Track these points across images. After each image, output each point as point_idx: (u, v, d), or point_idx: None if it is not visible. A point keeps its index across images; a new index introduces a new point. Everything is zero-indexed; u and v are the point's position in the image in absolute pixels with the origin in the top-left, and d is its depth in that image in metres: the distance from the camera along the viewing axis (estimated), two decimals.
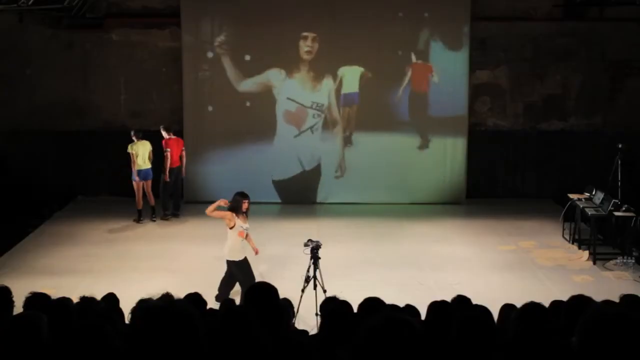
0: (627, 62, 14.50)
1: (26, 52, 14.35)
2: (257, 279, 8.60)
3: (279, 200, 14.33)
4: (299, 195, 14.32)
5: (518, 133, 14.77)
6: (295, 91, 14.18)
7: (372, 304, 4.97)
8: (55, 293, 5.92)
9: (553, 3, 14.19)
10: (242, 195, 8.85)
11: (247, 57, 14.04)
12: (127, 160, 12.76)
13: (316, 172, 14.39)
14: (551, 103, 14.68)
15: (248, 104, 14.20)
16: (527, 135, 14.78)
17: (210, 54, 14.13)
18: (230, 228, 8.69)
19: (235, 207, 8.74)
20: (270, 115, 14.21)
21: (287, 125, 14.22)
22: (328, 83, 14.15)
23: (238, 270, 8.72)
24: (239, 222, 8.72)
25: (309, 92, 14.18)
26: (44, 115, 14.40)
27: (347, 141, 14.32)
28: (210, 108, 14.26)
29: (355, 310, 5.12)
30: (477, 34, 14.20)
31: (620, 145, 11.61)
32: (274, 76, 14.09)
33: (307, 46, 14.03)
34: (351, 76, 14.14)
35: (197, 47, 14.10)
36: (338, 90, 14.18)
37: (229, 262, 8.79)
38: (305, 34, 13.98)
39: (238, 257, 8.72)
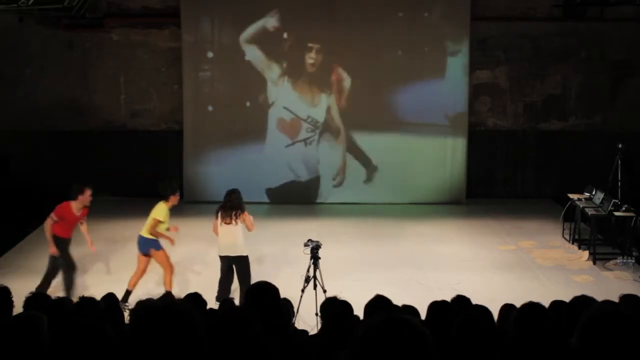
0: (627, 62, 14.50)
1: (26, 52, 14.36)
2: (257, 278, 8.59)
3: (279, 201, 14.33)
4: (298, 196, 14.32)
5: (518, 133, 14.78)
6: (293, 101, 14.16)
7: (379, 303, 4.96)
8: (55, 293, 5.91)
9: (553, 3, 14.20)
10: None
11: (247, 57, 14.05)
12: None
13: (314, 177, 14.38)
14: (551, 103, 14.69)
15: (248, 104, 14.21)
16: (527, 135, 14.78)
17: (210, 54, 14.14)
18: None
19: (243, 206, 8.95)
20: (264, 117, 14.25)
21: (279, 133, 14.19)
22: (327, 98, 14.15)
23: (247, 265, 8.82)
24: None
25: (307, 105, 14.18)
26: (44, 115, 14.40)
27: (349, 142, 14.30)
28: (210, 108, 14.27)
29: (358, 309, 5.12)
30: (477, 34, 14.20)
31: (620, 145, 11.60)
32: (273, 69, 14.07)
33: (311, 58, 14.03)
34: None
35: (197, 47, 14.10)
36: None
37: (240, 257, 8.84)
38: (310, 45, 13.97)
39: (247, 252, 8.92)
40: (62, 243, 9.33)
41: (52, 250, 9.23)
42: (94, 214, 13.29)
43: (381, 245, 11.53)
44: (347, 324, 4.37)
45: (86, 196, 9.40)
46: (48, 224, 9.27)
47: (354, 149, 14.28)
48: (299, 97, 14.15)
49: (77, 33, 14.31)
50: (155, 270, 10.24)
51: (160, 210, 9.18)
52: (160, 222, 9.17)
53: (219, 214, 8.93)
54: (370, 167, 14.30)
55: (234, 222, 8.79)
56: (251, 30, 13.89)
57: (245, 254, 8.83)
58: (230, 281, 8.95)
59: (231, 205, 8.86)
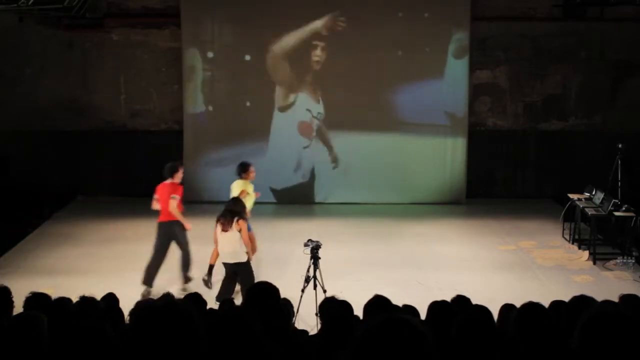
0: (627, 62, 14.50)
1: (26, 52, 14.36)
2: (257, 278, 8.59)
3: (279, 201, 14.32)
4: (299, 196, 14.32)
5: (518, 133, 14.78)
6: (305, 101, 14.23)
7: (378, 303, 4.97)
8: (55, 293, 5.91)
9: (553, 3, 14.20)
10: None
11: (247, 57, 14.05)
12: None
13: (313, 173, 14.38)
14: (551, 103, 14.69)
15: (248, 104, 14.21)
16: (527, 135, 14.78)
17: (210, 54, 14.13)
18: (239, 231, 8.76)
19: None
20: (268, 117, 14.24)
21: (279, 133, 14.20)
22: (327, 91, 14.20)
23: (249, 271, 8.76)
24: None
25: (313, 102, 14.21)
26: (44, 115, 14.40)
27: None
28: (210, 108, 14.26)
29: (358, 309, 5.12)
30: (477, 34, 14.20)
31: (620, 145, 11.61)
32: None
33: (316, 56, 14.04)
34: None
35: (197, 47, 14.09)
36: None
37: (240, 264, 8.77)
38: (315, 42, 13.97)
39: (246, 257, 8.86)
40: (176, 225, 9.38)
41: (189, 225, 9.40)
42: (94, 213, 13.35)
43: (381, 245, 11.52)
44: (346, 324, 4.36)
45: (180, 173, 9.43)
46: (174, 205, 9.21)
47: (320, 132, 14.29)
48: (308, 95, 14.20)
49: (77, 33, 14.31)
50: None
51: (239, 184, 9.70)
52: (247, 193, 9.62)
53: (219, 222, 8.85)
54: (333, 152, 14.31)
55: (231, 229, 8.69)
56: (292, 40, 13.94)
57: (244, 260, 8.73)
58: (234, 284, 8.91)
59: (231, 210, 8.78)
